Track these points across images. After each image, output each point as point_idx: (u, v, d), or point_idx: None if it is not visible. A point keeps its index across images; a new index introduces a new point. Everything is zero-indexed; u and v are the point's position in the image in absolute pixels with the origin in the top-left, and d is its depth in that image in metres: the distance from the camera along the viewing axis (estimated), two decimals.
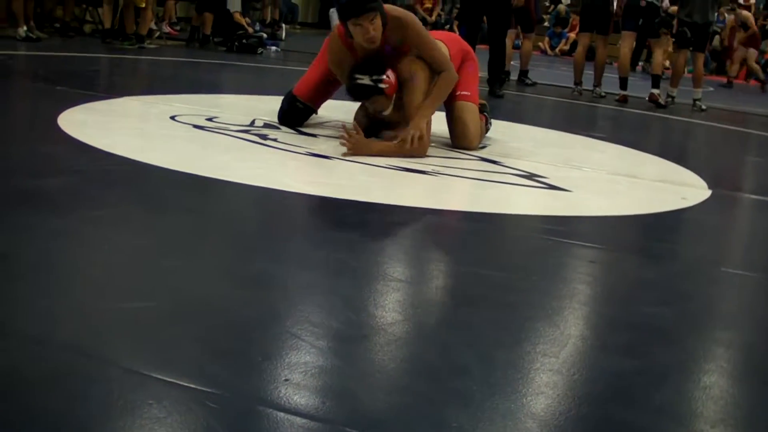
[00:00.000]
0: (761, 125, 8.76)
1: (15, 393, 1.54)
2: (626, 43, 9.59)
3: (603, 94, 9.70)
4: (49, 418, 1.47)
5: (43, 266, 2.25)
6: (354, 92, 4.39)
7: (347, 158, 4.09)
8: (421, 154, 4.29)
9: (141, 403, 1.53)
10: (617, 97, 9.39)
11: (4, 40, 9.05)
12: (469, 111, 4.76)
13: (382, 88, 4.28)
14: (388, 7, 4.44)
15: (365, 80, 4.27)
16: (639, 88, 10.09)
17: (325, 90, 4.97)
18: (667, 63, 13.36)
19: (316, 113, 5.03)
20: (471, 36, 7.68)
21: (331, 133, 4.76)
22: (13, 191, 2.99)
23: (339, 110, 5.20)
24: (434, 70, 4.47)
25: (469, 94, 4.78)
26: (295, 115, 4.95)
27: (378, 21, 4.31)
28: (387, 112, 4.44)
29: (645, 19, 9.14)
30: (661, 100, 9.13)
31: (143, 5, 10.39)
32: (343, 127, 4.32)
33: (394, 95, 4.39)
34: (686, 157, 6.12)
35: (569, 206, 3.70)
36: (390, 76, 4.31)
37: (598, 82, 9.78)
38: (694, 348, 2.19)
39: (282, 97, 5.06)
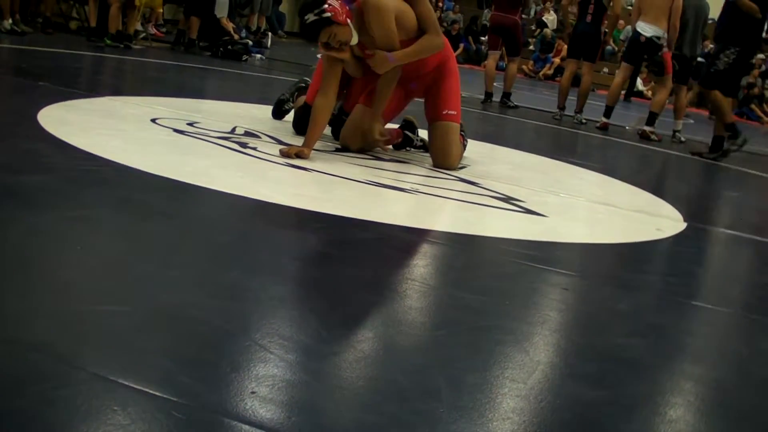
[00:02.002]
0: (739, 160, 8.81)
1: None
2: (621, 74, 9.68)
3: (584, 120, 9.74)
4: (13, 421, 1.45)
5: (15, 265, 2.23)
6: (307, 33, 4.45)
7: (327, 172, 4.09)
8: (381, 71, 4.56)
9: (105, 409, 1.52)
10: (598, 124, 9.45)
11: None
12: (453, 132, 4.77)
13: (328, 17, 4.33)
14: None
15: (310, 18, 4.35)
16: (621, 116, 10.14)
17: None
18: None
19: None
20: None
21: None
22: None
23: None
24: (423, 27, 4.57)
25: (454, 113, 4.79)
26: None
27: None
28: (354, 41, 4.47)
29: (645, 55, 9.16)
30: (654, 137, 9.15)
31: (161, 10, 10.41)
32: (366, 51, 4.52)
33: (350, 22, 4.42)
34: (663, 188, 6.16)
35: (544, 231, 3.71)
36: (333, 3, 4.36)
37: (579, 109, 9.83)
38: (662, 381, 2.19)
39: (271, 106, 5.37)
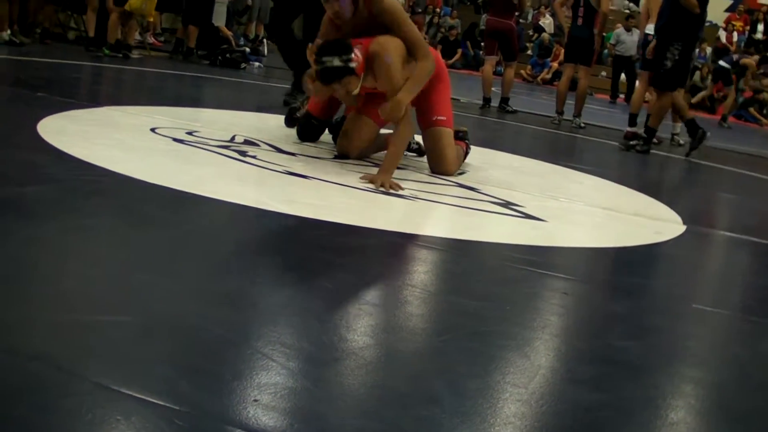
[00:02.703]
0: (739, 162, 8.83)
1: None
2: (642, 82, 9.34)
3: (582, 124, 9.74)
4: (16, 431, 1.46)
5: (16, 275, 2.24)
6: (326, 75, 4.30)
7: (326, 179, 4.11)
8: (396, 119, 4.35)
9: (109, 419, 1.53)
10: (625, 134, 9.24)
11: None
12: (446, 136, 4.79)
13: (353, 68, 4.27)
14: None
15: (335, 61, 4.24)
16: (620, 120, 10.15)
17: (336, 102, 5.12)
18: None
19: (333, 123, 5.19)
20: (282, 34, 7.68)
21: (310, 153, 4.78)
22: None
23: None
24: (411, 53, 4.49)
25: (445, 118, 4.81)
26: (312, 131, 5.20)
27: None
28: (356, 92, 4.43)
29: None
30: (654, 140, 9.03)
31: (152, 19, 10.42)
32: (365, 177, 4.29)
33: (362, 74, 4.39)
34: (662, 192, 6.16)
35: (544, 236, 3.72)
36: (357, 53, 4.30)
37: (577, 113, 9.83)
38: (663, 384, 2.20)
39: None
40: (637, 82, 9.63)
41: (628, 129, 9.20)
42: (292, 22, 7.95)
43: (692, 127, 8.21)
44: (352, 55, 4.25)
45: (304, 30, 7.56)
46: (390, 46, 4.40)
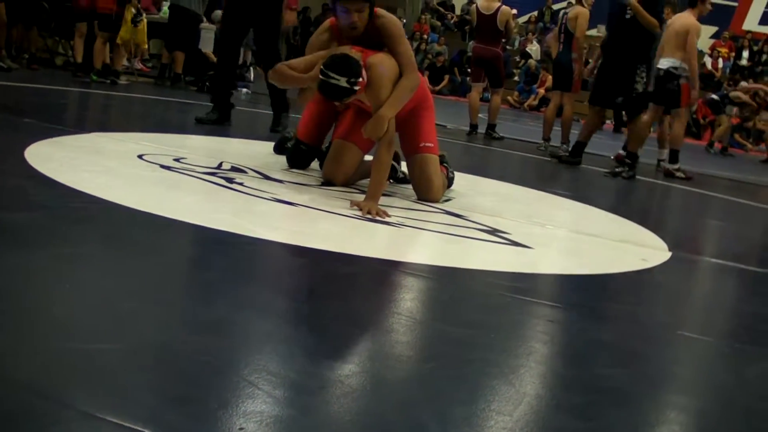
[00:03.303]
0: (725, 188, 8.87)
1: None
2: (649, 114, 9.09)
3: (569, 151, 9.76)
4: None
5: (4, 302, 2.24)
6: (328, 91, 4.29)
7: (313, 206, 4.12)
8: (378, 136, 4.34)
9: None
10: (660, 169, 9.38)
11: None
12: (432, 163, 4.81)
13: (356, 90, 4.27)
14: (379, 10, 4.66)
15: (342, 82, 4.22)
16: (606, 147, 10.19)
17: (324, 128, 5.21)
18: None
19: (322, 149, 5.21)
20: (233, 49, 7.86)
21: (297, 180, 4.79)
22: None
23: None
24: (400, 69, 4.52)
25: (431, 145, 4.83)
26: (301, 157, 5.22)
27: (365, 13, 4.54)
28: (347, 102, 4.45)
29: (662, 87, 8.88)
30: (681, 174, 8.99)
31: (146, 46, 10.45)
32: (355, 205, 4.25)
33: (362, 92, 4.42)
34: (648, 218, 6.18)
35: (530, 263, 3.73)
36: (365, 75, 4.31)
37: (564, 140, 9.86)
38: (648, 411, 2.21)
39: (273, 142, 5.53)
40: (646, 115, 9.63)
41: (620, 152, 9.25)
42: (243, 41, 8.10)
43: (579, 149, 8.63)
44: (360, 79, 4.26)
45: (257, 46, 7.65)
46: (387, 63, 4.46)
